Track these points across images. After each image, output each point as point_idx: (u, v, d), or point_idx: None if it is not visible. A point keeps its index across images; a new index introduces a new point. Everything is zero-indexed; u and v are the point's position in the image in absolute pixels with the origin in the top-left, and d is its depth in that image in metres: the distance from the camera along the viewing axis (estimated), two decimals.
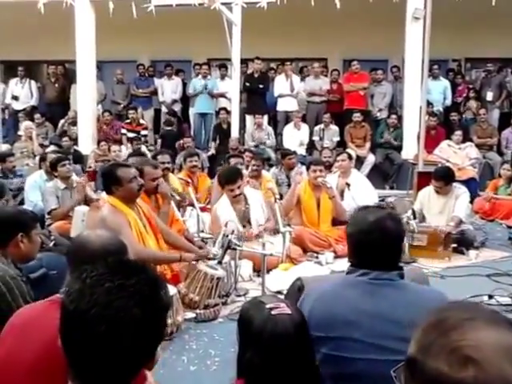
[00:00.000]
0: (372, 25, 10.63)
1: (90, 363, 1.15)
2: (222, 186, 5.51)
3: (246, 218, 5.39)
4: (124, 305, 1.14)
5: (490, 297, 4.28)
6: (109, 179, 3.90)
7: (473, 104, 10.46)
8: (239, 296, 4.22)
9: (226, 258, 4.09)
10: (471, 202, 7.84)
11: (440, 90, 10.64)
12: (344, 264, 5.02)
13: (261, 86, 10.80)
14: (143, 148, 9.59)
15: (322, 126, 10.37)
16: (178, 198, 5.34)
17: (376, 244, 1.97)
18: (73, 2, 9.62)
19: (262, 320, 1.75)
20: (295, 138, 10.33)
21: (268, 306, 1.78)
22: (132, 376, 1.21)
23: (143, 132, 10.69)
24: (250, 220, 5.41)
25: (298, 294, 2.65)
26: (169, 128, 10.67)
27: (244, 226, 5.21)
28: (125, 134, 10.55)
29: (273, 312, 1.75)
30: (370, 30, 10.86)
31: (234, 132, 10.32)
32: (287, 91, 10.78)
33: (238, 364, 1.80)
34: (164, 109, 11.63)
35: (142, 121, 10.96)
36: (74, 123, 10.58)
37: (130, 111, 10.83)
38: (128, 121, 10.76)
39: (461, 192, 6.32)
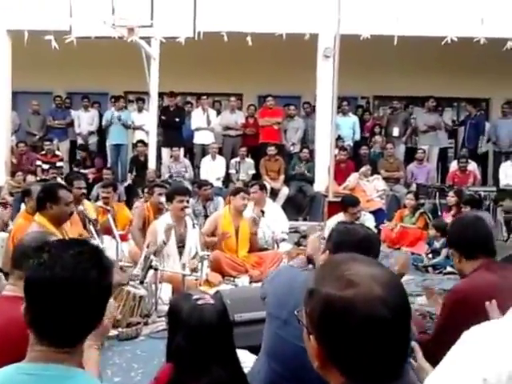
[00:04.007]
0: (285, 62, 11.09)
1: (55, 324, 1.35)
2: (170, 199, 5.58)
3: (182, 241, 5.50)
4: (86, 267, 1.38)
5: None
6: (48, 195, 4.00)
7: (378, 139, 11.14)
8: (160, 317, 4.31)
9: (147, 279, 4.19)
10: (379, 231, 8.36)
11: (349, 126, 11.23)
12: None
13: (176, 120, 11.02)
14: (58, 179, 9.47)
15: (237, 159, 10.66)
16: (95, 226, 5.40)
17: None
18: None
19: (190, 309, 1.96)
20: (212, 170, 10.55)
21: (194, 297, 1.99)
22: (85, 335, 1.42)
23: (59, 163, 10.57)
24: (185, 245, 5.51)
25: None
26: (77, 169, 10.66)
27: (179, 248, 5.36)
28: (40, 166, 10.39)
29: (199, 302, 1.96)
30: (283, 67, 11.33)
31: (152, 164, 10.40)
32: (204, 125, 11.04)
33: (168, 349, 1.98)
34: (80, 140, 11.57)
35: (57, 152, 10.85)
36: None
37: (46, 142, 10.70)
38: (43, 152, 10.61)
39: (366, 218, 6.79)
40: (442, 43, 8.99)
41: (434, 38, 9.18)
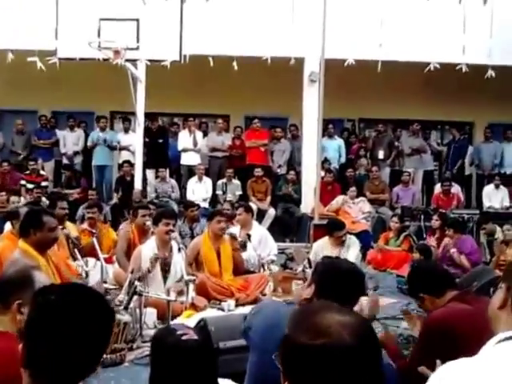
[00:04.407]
0: (272, 84, 11.15)
1: (54, 365, 1.36)
2: (156, 222, 5.57)
3: (166, 265, 5.45)
4: (91, 311, 1.43)
5: None
6: (32, 221, 3.96)
7: (364, 161, 11.23)
8: (144, 342, 4.27)
9: (132, 305, 4.17)
10: (365, 253, 8.40)
11: (335, 148, 11.36)
12: (246, 311, 5.27)
13: (160, 141, 11.04)
14: (43, 199, 9.41)
15: (224, 180, 10.68)
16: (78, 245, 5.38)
17: (344, 289, 2.34)
18: None
19: (173, 344, 1.94)
20: (199, 191, 10.56)
21: (178, 333, 1.98)
22: (82, 378, 1.42)
23: (43, 183, 10.49)
24: (170, 269, 5.47)
25: (202, 332, 2.82)
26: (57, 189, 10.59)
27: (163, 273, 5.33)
28: (24, 185, 10.32)
29: (183, 338, 1.95)
30: (270, 89, 11.40)
31: (138, 184, 10.39)
32: (190, 146, 11.07)
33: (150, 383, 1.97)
34: (65, 160, 11.52)
35: (42, 172, 10.78)
36: None
37: (30, 162, 10.63)
38: (28, 172, 10.55)
39: (351, 242, 6.83)
40: (425, 70, 9.14)
41: (418, 64, 9.35)
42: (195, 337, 1.99)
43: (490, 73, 9.00)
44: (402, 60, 9.59)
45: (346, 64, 9.13)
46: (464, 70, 9.06)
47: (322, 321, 1.22)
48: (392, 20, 9.06)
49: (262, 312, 2.42)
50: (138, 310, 4.29)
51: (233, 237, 6.30)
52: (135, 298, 4.18)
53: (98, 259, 5.66)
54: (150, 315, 4.59)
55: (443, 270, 3.36)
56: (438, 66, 9.05)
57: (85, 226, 6.72)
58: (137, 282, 4.11)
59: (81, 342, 1.36)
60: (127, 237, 6.26)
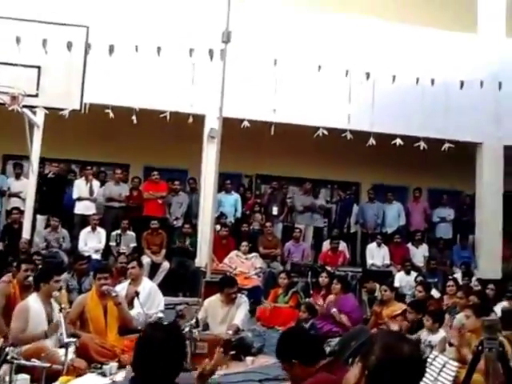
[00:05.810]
0: (172, 137, 11.25)
1: None
2: (48, 279, 5.48)
3: (51, 320, 5.36)
4: None
5: None
6: None
7: (258, 217, 11.54)
8: None
9: (1, 372, 4.02)
10: (255, 309, 8.56)
11: (232, 203, 11.60)
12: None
13: (56, 188, 10.78)
14: None
15: (119, 231, 10.52)
16: None
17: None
18: None
19: None
20: (91, 242, 10.33)
21: None
22: None
23: None
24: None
25: None
26: None
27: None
28: None
29: None
30: (170, 142, 11.51)
31: (26, 233, 10.00)
32: (86, 195, 10.87)
33: None
34: None
35: None
36: None
37: None
38: None
39: (242, 301, 6.97)
40: (315, 135, 9.69)
41: (308, 128, 9.93)
42: None
43: (372, 141, 9.70)
44: (293, 123, 10.15)
45: (242, 126, 9.48)
46: (349, 137, 9.70)
47: None
48: (285, 87, 9.61)
49: None
50: (7, 378, 4.14)
51: (108, 293, 6.25)
52: (6, 365, 4.04)
53: None
54: (23, 382, 4.43)
55: (317, 339, 3.48)
56: (325, 132, 9.63)
57: None
58: (8, 349, 3.98)
59: None
60: (6, 292, 6.01)
